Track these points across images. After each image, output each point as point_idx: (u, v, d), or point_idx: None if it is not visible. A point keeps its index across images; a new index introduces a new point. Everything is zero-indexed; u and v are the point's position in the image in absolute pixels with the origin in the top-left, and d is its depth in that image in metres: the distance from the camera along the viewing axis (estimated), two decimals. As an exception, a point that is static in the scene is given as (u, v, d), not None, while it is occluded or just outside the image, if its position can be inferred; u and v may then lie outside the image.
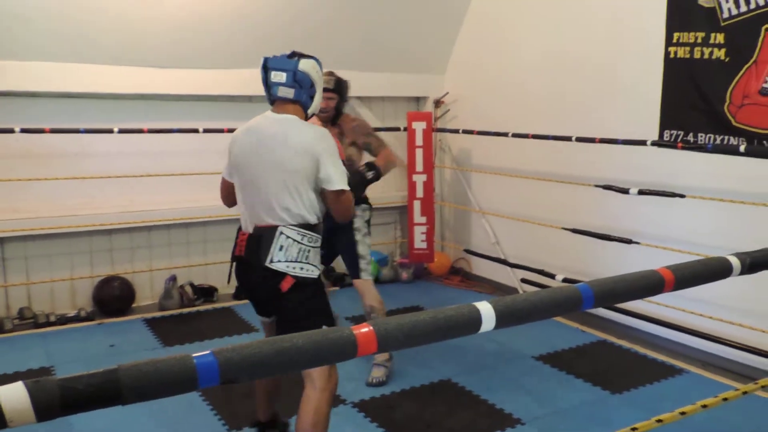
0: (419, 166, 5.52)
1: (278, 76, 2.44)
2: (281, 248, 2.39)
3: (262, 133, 2.47)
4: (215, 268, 5.15)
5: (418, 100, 6.06)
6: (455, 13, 5.57)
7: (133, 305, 4.86)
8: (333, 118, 3.67)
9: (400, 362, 3.88)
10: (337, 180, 2.43)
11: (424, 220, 5.55)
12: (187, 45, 4.71)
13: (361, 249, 3.75)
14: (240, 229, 2.54)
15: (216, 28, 4.74)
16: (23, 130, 4.26)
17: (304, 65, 2.46)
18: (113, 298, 4.72)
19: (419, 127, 5.49)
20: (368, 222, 3.84)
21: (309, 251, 2.44)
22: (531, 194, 5.04)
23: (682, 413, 2.25)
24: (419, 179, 5.54)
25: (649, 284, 1.07)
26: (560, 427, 3.18)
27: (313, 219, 2.46)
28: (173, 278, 4.90)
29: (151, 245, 5.02)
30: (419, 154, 5.50)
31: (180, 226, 5.07)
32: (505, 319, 0.93)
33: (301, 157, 2.39)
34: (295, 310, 2.47)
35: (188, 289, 4.98)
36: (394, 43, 5.50)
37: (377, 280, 5.59)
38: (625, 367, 3.89)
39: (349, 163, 3.12)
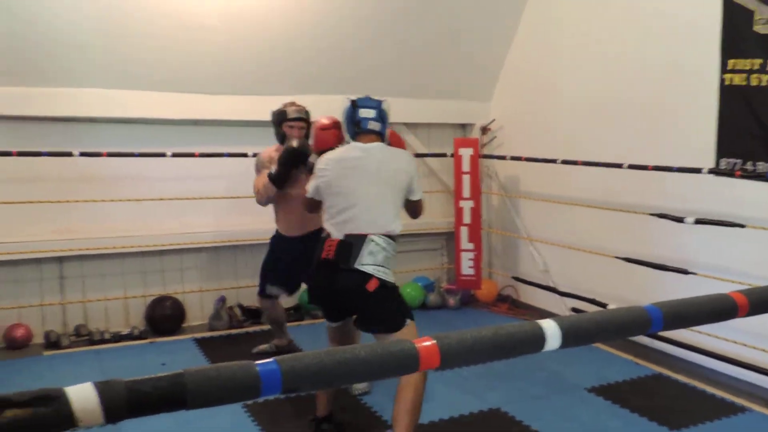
0: (466, 192, 5.49)
1: (368, 113, 2.96)
2: (370, 253, 2.78)
3: (364, 159, 2.93)
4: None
5: (464, 126, 6.06)
6: (502, 40, 5.58)
7: (184, 325, 4.94)
8: None
9: (448, 389, 3.83)
10: (420, 192, 3.06)
11: (471, 246, 5.50)
12: (237, 73, 4.83)
13: None
14: (328, 237, 2.91)
15: (265, 57, 4.86)
16: (82, 154, 4.41)
17: (385, 105, 3.02)
18: (165, 317, 4.80)
19: (466, 153, 5.47)
20: None
21: (390, 258, 2.86)
22: (581, 222, 4.94)
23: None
24: (466, 205, 5.50)
25: (721, 308, 1.02)
26: (614, 462, 3.06)
27: (397, 229, 2.90)
28: (222, 299, 4.97)
29: (200, 266, 5.11)
30: (466, 180, 5.48)
31: (228, 248, 5.15)
32: (570, 338, 0.89)
33: (404, 175, 2.96)
34: (378, 307, 2.85)
35: (237, 310, 5.03)
36: (441, 70, 5.52)
37: (424, 306, 5.56)
38: (683, 403, 3.73)
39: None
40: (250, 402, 3.55)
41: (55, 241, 4.53)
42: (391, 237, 2.87)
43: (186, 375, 0.71)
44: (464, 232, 5.52)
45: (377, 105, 2.99)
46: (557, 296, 5.14)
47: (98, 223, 4.74)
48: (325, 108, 5.17)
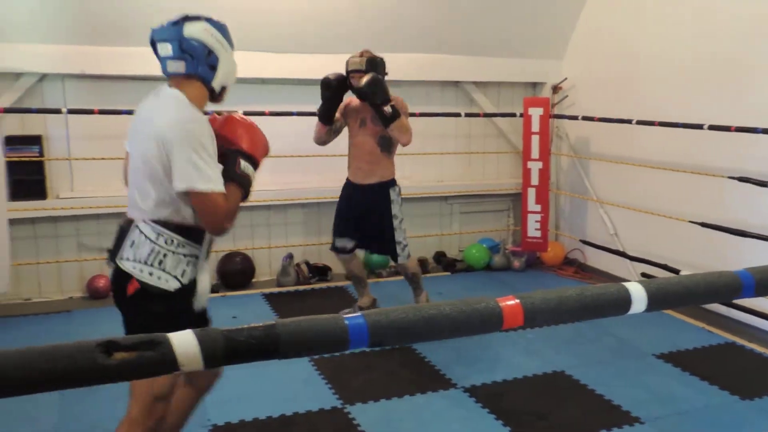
0: (535, 153, 5.39)
1: (164, 48, 2.02)
2: (132, 244, 2.00)
3: (141, 114, 2.10)
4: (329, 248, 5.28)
5: (534, 85, 5.90)
6: (578, -5, 5.37)
7: (253, 280, 5.09)
8: None
9: (512, 351, 3.83)
10: (190, 179, 1.92)
11: (538, 208, 5.42)
12: (302, 32, 4.84)
13: (398, 236, 3.96)
14: None
15: (331, 16, 4.84)
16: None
17: (191, 30, 2.01)
18: (235, 272, 4.96)
19: (536, 113, 5.35)
20: (401, 205, 4.01)
21: (166, 256, 1.99)
22: (655, 184, 4.78)
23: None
24: (534, 166, 5.41)
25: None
26: (682, 430, 3.01)
27: (164, 215, 2.00)
28: (290, 256, 5.08)
29: (269, 223, 5.23)
30: (535, 140, 5.37)
31: (297, 206, 5.25)
32: (657, 301, 0.88)
33: (153, 143, 1.95)
34: (134, 322, 2.05)
35: (304, 267, 5.15)
36: (512, 26, 5.37)
37: (488, 267, 5.54)
38: (756, 372, 3.62)
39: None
40: (316, 356, 3.67)
41: (133, 197, 4.72)
42: (167, 226, 2.00)
43: (279, 326, 0.73)
44: (532, 193, 5.44)
45: (176, 35, 2.00)
46: (627, 261, 5.02)
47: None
48: (390, 65, 5.14)
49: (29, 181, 4.49)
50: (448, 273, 5.47)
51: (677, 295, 0.90)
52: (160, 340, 0.67)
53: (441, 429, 3.02)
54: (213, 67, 2.07)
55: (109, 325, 4.21)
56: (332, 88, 3.82)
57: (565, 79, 5.61)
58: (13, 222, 4.29)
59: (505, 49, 5.47)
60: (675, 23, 4.59)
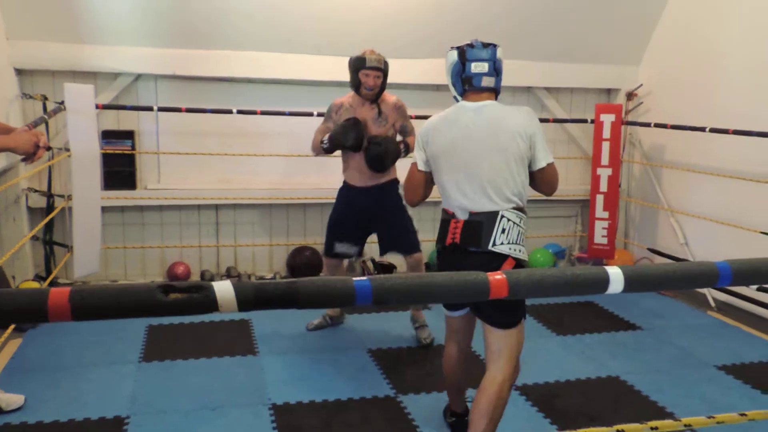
0: (605, 160, 5.36)
1: (480, 66, 2.54)
2: (503, 231, 2.50)
3: (477, 121, 2.54)
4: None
5: (609, 91, 5.87)
6: (655, 1, 5.30)
7: (321, 274, 5.32)
8: (376, 97, 3.80)
9: (567, 354, 3.87)
10: (547, 157, 2.58)
11: (606, 215, 5.39)
12: (383, 36, 5.01)
13: (412, 225, 3.98)
14: (452, 217, 2.59)
15: (414, 20, 4.99)
16: (239, 112, 4.85)
17: (499, 53, 2.58)
18: (304, 265, 5.21)
19: (607, 119, 5.32)
20: None
21: (524, 234, 2.57)
22: (729, 194, 4.67)
23: None
24: (604, 173, 5.38)
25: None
26: (736, 442, 2.98)
27: (524, 201, 2.59)
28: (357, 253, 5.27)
29: (339, 221, 5.44)
30: (606, 147, 5.34)
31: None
32: (633, 283, 0.98)
33: (520, 138, 2.51)
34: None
35: (369, 264, 5.33)
36: (588, 32, 5.37)
37: (552, 273, 5.55)
38: (824, 390, 3.51)
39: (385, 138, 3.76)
40: (374, 348, 3.83)
41: (213, 190, 5.07)
42: (522, 210, 2.56)
43: (299, 282, 0.90)
44: (600, 200, 5.41)
45: (491, 57, 2.53)
46: (696, 272, 4.92)
47: (250, 175, 5.20)
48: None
49: (122, 172, 4.91)
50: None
51: (654, 278, 0.99)
52: (206, 287, 0.85)
53: (490, 423, 3.11)
54: None
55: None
56: (351, 147, 3.78)
57: (640, 85, 5.55)
58: (105, 209, 4.70)
59: (579, 54, 5.47)
60: (756, 31, 4.48)
